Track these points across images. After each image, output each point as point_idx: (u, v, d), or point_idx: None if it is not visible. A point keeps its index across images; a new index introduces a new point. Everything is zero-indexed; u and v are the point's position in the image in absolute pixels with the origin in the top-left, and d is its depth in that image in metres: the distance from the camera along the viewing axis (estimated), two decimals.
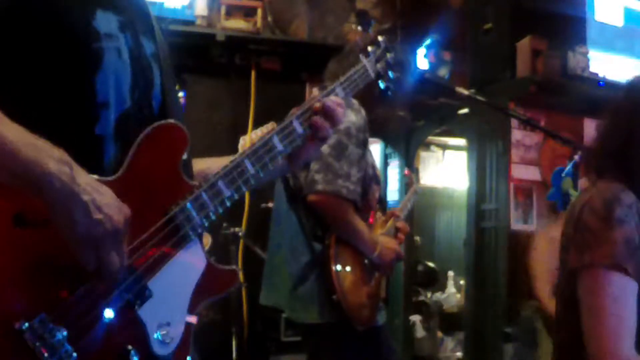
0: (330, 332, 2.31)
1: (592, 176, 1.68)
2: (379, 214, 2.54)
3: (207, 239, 3.62)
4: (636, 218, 1.51)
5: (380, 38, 1.54)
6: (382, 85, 1.54)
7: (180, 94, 4.23)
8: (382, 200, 2.68)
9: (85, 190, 0.95)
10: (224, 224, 3.72)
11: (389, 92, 1.56)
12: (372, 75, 1.48)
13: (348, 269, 2.32)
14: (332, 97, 1.35)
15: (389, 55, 1.53)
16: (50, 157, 0.93)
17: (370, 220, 2.50)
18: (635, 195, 1.55)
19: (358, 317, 2.29)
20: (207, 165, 1.33)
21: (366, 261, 2.36)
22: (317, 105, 1.32)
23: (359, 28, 1.59)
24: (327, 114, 1.32)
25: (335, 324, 2.28)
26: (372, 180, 2.44)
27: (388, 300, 2.72)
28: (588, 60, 4.35)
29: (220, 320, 3.74)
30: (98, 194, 0.97)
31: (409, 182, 3.02)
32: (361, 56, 1.49)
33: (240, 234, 3.74)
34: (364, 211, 2.40)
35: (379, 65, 1.51)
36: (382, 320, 2.45)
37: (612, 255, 1.47)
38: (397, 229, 2.57)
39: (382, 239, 2.42)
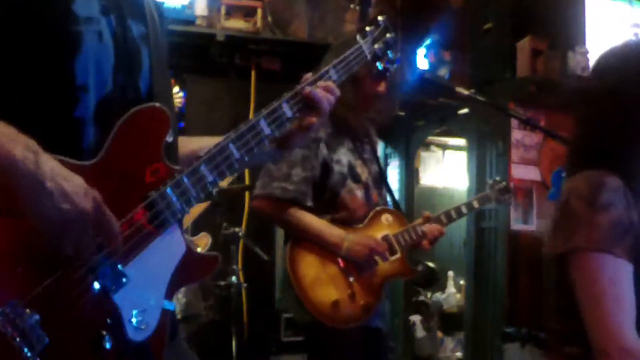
0: (321, 330, 2.30)
1: (575, 169, 1.66)
2: (386, 216, 2.48)
3: (207, 239, 3.62)
4: (624, 201, 1.49)
5: (380, 17, 1.46)
6: (379, 66, 1.46)
7: (180, 94, 4.24)
8: (393, 197, 2.65)
9: (50, 177, 0.95)
10: (224, 224, 3.72)
11: (388, 74, 1.51)
12: (368, 56, 1.42)
13: (310, 266, 2.32)
14: (322, 83, 1.31)
15: (388, 35, 1.46)
16: (16, 143, 0.94)
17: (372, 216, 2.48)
18: (623, 180, 1.51)
19: (328, 315, 2.27)
20: (200, 145, 1.30)
21: (339, 259, 2.34)
22: (307, 90, 1.28)
23: (357, 7, 1.54)
24: (312, 103, 1.28)
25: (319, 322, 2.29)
26: (347, 179, 2.41)
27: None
28: (588, 60, 4.35)
29: (220, 320, 3.74)
30: (64, 181, 0.96)
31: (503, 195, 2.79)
32: (358, 36, 1.43)
33: (240, 234, 3.74)
34: (338, 210, 2.39)
35: (376, 46, 1.45)
36: (380, 323, 2.43)
37: (598, 240, 1.46)
38: (423, 233, 2.49)
39: (355, 235, 2.35)
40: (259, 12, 4.31)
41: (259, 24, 4.30)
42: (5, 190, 0.95)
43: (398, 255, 2.44)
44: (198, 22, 4.19)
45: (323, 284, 2.30)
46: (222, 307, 3.79)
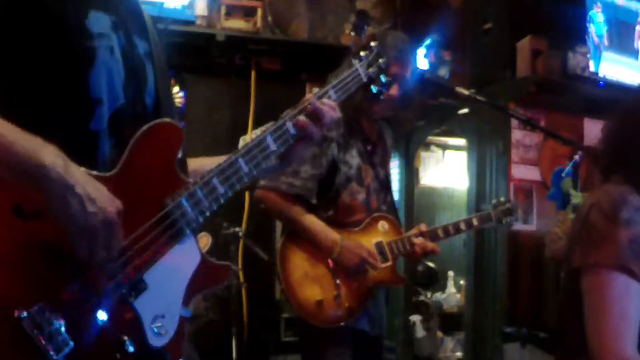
0: (306, 326, 2.34)
1: (599, 177, 1.68)
2: (382, 222, 2.49)
3: (207, 239, 3.62)
4: None
5: (372, 43, 1.57)
6: (374, 89, 1.57)
7: (180, 94, 4.24)
8: (393, 204, 2.65)
9: (79, 183, 0.98)
10: (224, 224, 3.72)
11: (381, 96, 1.61)
12: (364, 79, 1.53)
13: (300, 263, 2.36)
14: (325, 100, 1.38)
15: (381, 60, 1.56)
16: (44, 150, 0.97)
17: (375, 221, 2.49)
18: None
19: (310, 313, 2.31)
20: (201, 164, 1.36)
21: (329, 260, 2.36)
22: (308, 107, 1.35)
23: (352, 33, 1.63)
24: (313, 115, 1.34)
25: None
26: (352, 181, 2.43)
27: (387, 301, 2.69)
28: (588, 60, 4.35)
29: (220, 320, 3.75)
30: (91, 187, 1.00)
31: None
32: (354, 60, 1.53)
33: (240, 234, 3.74)
34: (337, 210, 2.41)
35: (371, 70, 1.54)
36: (367, 326, 2.44)
37: (617, 256, 1.47)
38: (413, 244, 2.47)
39: (349, 241, 2.36)
40: (259, 12, 4.31)
41: (259, 24, 4.30)
42: (29, 194, 0.98)
43: (389, 263, 2.45)
44: (198, 22, 4.19)
45: (310, 283, 2.34)
46: (222, 307, 3.80)
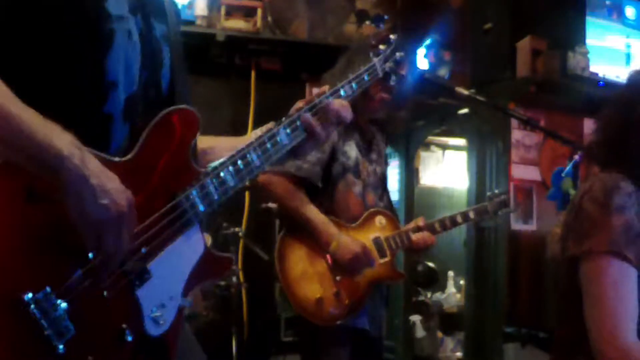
0: (306, 324, 2.32)
1: (594, 167, 1.69)
2: (379, 218, 2.48)
3: (207, 239, 3.63)
4: (636, 206, 1.51)
5: (392, 36, 1.55)
6: (388, 83, 1.56)
7: None
8: (390, 202, 2.64)
9: (94, 174, 0.98)
10: (224, 224, 3.72)
11: (394, 90, 1.59)
12: (380, 74, 1.51)
13: (298, 260, 2.32)
14: (337, 101, 1.36)
15: (398, 55, 1.55)
16: (62, 140, 0.97)
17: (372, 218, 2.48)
18: (636, 185, 1.54)
19: (310, 311, 2.28)
20: (211, 145, 1.36)
21: (328, 256, 2.33)
22: (324, 105, 1.34)
23: (372, 25, 1.61)
24: (332, 116, 1.34)
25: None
26: (349, 172, 2.41)
27: (387, 301, 2.68)
28: (588, 60, 4.34)
29: (220, 320, 3.74)
30: (105, 179, 1.00)
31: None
32: (371, 54, 1.51)
33: (240, 234, 3.74)
34: (332, 201, 2.39)
35: (387, 64, 1.53)
36: (367, 325, 2.42)
37: (611, 242, 1.47)
38: (410, 239, 2.46)
39: (346, 237, 2.33)
40: (259, 12, 4.31)
41: (259, 24, 4.30)
42: (42, 179, 0.98)
43: (387, 259, 2.43)
44: (198, 22, 4.19)
45: (309, 280, 2.31)
46: (222, 307, 3.80)
